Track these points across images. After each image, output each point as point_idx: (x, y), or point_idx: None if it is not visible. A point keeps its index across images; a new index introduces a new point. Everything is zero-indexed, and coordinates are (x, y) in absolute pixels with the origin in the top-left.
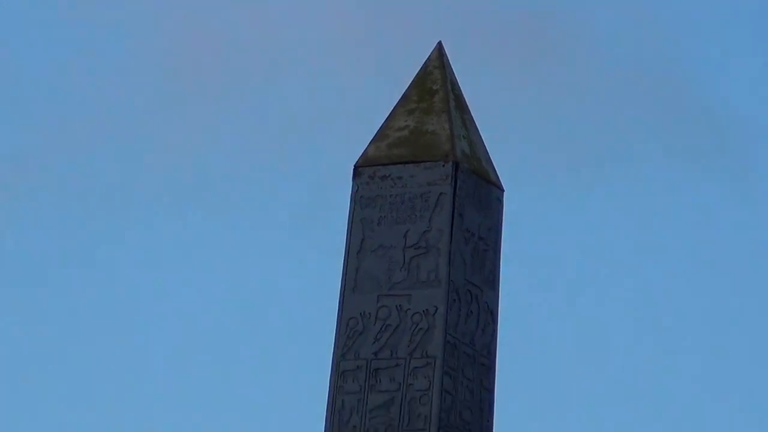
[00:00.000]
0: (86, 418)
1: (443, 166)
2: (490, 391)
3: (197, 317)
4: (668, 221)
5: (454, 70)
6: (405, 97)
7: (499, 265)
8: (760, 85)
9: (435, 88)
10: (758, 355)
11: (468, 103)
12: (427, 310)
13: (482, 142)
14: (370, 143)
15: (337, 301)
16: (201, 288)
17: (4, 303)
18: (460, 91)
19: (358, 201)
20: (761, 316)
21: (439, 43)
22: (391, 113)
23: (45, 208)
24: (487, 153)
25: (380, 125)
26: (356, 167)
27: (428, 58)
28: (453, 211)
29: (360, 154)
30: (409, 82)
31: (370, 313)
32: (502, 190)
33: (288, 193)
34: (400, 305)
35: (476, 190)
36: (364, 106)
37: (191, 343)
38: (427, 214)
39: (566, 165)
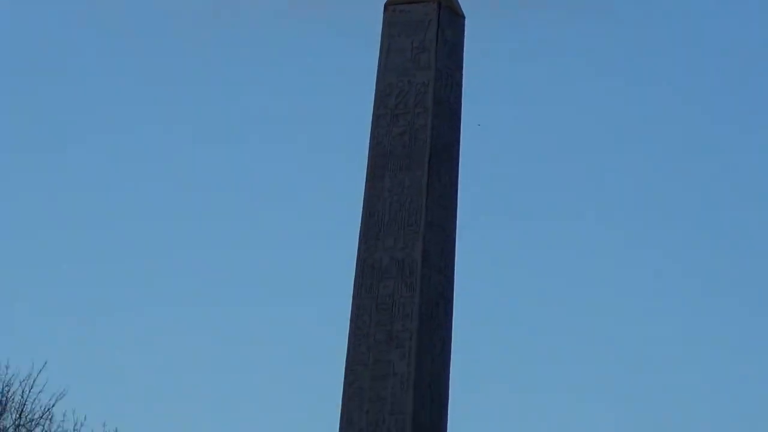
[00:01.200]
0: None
1: (432, 3)
2: (458, 130)
3: (243, 139)
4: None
5: None
6: None
7: (463, 56)
8: None
9: None
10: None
11: None
12: (424, 82)
13: None
14: None
15: (374, 79)
16: (246, 113)
17: None
18: None
19: (386, 24)
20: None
21: None
22: None
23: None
24: None
25: None
26: (385, 5)
27: None
28: (438, 28)
29: None
30: None
31: (394, 84)
32: (464, 18)
33: (345, 20)
34: (409, 80)
35: (450, 18)
36: None
37: (239, 162)
38: (423, 30)
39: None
